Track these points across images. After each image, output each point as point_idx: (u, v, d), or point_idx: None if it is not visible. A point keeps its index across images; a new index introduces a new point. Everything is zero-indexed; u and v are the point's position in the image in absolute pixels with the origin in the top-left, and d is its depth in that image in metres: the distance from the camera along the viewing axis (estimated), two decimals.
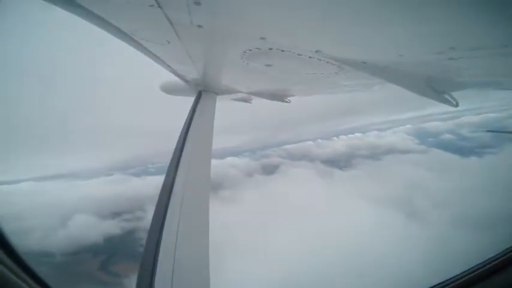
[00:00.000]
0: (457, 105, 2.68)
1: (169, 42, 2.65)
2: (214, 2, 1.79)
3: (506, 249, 1.52)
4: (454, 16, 1.39)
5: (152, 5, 1.76)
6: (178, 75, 5.12)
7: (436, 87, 2.60)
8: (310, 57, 2.69)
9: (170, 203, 2.64)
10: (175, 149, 3.54)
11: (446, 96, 2.64)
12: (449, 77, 2.68)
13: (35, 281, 1.05)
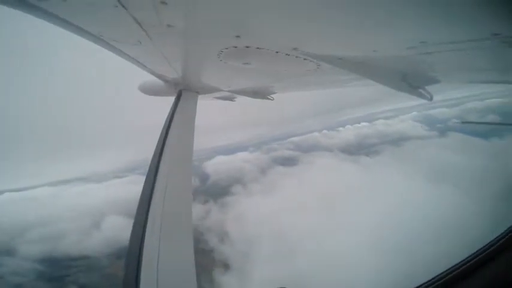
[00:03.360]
0: (431, 98, 2.74)
1: (140, 43, 2.53)
2: (182, 1, 1.71)
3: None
4: (421, 11, 1.40)
5: (116, 6, 1.66)
6: (157, 75, 4.97)
7: (411, 82, 2.64)
8: (287, 54, 2.66)
9: (151, 208, 2.57)
10: (156, 149, 3.45)
11: (421, 91, 2.68)
12: (424, 72, 2.72)
13: None
